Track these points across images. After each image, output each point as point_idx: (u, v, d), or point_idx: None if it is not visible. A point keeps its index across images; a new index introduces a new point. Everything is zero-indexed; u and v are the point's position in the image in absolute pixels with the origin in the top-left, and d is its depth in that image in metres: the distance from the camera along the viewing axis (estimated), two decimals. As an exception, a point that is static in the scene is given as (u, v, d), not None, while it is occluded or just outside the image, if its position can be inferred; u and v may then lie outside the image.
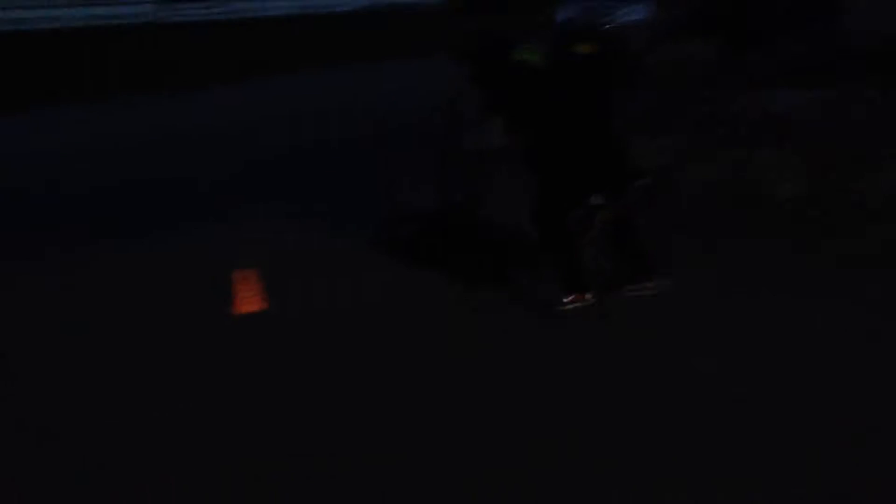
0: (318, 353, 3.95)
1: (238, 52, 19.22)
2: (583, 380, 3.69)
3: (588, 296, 4.38)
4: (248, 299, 4.47)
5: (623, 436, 3.30)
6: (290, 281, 4.80)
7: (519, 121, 4.55)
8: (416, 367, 3.80)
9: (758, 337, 4.00)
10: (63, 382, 3.79)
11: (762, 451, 3.14)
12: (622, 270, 4.49)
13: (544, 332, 4.11)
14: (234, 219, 6.01)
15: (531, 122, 4.49)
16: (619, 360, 3.87)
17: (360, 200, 6.10)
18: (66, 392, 3.76)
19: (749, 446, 3.21)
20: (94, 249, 5.56)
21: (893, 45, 6.72)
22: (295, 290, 4.69)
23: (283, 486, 2.93)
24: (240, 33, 22.00)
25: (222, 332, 4.23)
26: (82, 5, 23.36)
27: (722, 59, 8.09)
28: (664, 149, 6.01)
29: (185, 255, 5.31)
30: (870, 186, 5.17)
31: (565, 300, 4.37)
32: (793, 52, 7.34)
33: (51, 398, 3.68)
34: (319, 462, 3.07)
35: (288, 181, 7.14)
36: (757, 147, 5.53)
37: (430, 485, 2.90)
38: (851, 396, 3.48)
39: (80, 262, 5.36)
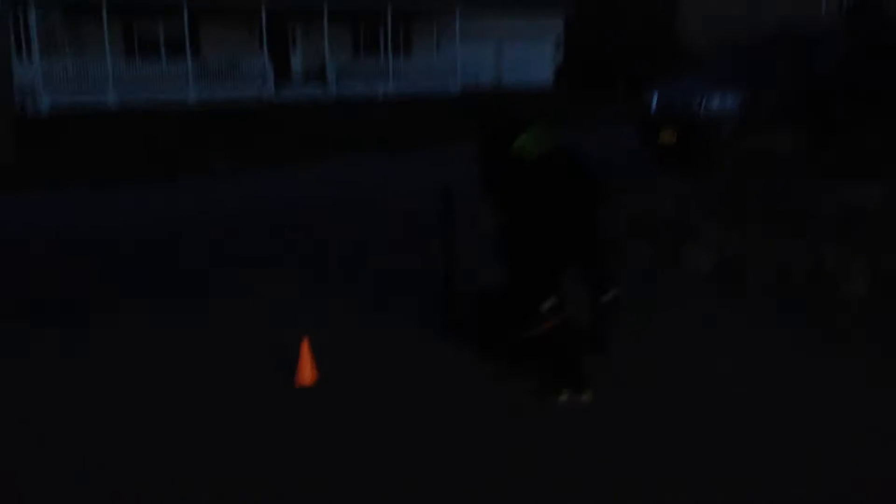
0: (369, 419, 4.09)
1: (344, 130, 20.10)
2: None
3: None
4: (308, 372, 4.69)
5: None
6: (344, 355, 5.01)
7: (504, 207, 4.46)
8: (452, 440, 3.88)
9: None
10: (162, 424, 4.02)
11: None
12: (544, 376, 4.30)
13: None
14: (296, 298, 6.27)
15: (513, 211, 4.41)
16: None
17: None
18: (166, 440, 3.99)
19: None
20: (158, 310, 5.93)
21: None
22: (347, 364, 4.90)
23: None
24: (351, 112, 23.01)
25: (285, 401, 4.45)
26: (209, 84, 25.10)
27: (804, 148, 7.98)
28: (733, 237, 5.98)
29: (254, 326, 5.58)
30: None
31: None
32: (873, 143, 7.20)
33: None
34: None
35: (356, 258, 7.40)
36: (827, 240, 5.42)
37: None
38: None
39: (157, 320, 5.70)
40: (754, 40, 11.37)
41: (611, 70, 27.52)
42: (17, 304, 6.22)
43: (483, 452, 3.84)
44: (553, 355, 4.37)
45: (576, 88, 29.59)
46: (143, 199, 11.36)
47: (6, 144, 14.01)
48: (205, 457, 3.87)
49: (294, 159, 14.99)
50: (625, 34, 34.00)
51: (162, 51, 25.81)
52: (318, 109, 23.16)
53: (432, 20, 30.79)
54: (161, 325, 5.69)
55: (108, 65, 23.80)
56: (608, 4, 37.03)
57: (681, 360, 4.81)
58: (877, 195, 6.02)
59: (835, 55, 10.42)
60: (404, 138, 17.14)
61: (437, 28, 30.91)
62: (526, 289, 4.34)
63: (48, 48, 23.79)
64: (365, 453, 3.86)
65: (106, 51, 23.73)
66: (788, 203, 6.29)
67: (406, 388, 4.58)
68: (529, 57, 33.09)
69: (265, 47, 26.35)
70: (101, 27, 23.63)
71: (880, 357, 4.75)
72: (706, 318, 5.50)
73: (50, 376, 4.90)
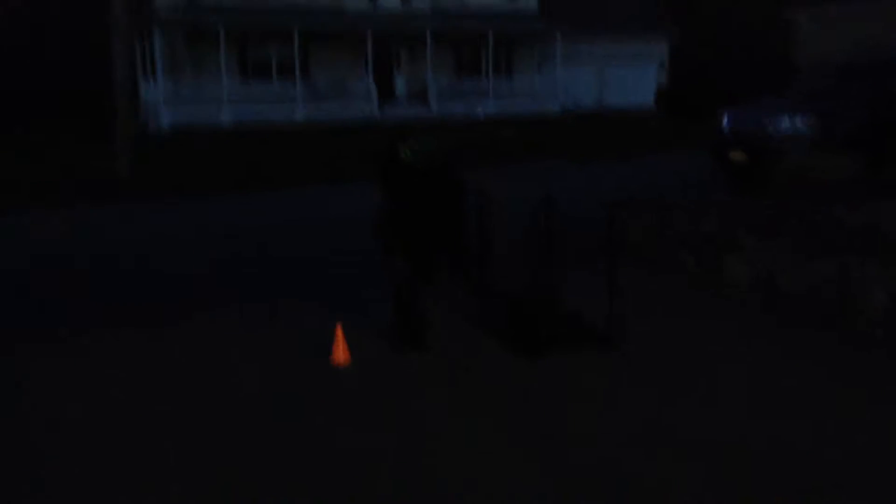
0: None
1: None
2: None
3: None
4: (342, 353, 5.25)
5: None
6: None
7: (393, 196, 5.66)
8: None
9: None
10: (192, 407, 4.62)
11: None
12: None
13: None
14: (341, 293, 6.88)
15: (398, 199, 5.62)
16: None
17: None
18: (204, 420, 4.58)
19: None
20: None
21: None
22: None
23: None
24: (450, 130, 23.76)
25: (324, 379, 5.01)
26: (316, 103, 26.41)
27: (857, 173, 8.00)
28: (768, 250, 6.19)
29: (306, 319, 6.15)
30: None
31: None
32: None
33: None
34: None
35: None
36: (861, 255, 5.57)
37: None
38: None
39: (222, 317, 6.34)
40: (833, 66, 11.39)
41: (712, 93, 27.30)
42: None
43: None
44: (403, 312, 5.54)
45: (676, 111, 29.44)
46: (234, 207, 12.29)
47: (125, 159, 15.34)
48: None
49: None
50: (730, 59, 33.56)
51: (273, 73, 27.34)
52: (417, 127, 24.01)
53: (534, 44, 31.31)
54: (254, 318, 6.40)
55: (224, 86, 25.44)
56: (715, 29, 36.61)
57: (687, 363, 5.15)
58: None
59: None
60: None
61: (539, 52, 31.41)
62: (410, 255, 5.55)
63: (171, 71, 25.62)
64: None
65: (222, 73, 25.39)
66: (826, 218, 6.44)
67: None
68: (632, 79, 33.11)
69: (370, 70, 27.49)
70: (219, 51, 25.30)
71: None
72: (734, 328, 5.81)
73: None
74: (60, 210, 12.10)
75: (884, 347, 5.40)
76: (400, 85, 29.67)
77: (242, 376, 5.11)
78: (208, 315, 6.42)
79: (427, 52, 28.12)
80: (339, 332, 5.33)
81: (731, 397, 4.65)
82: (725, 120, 11.10)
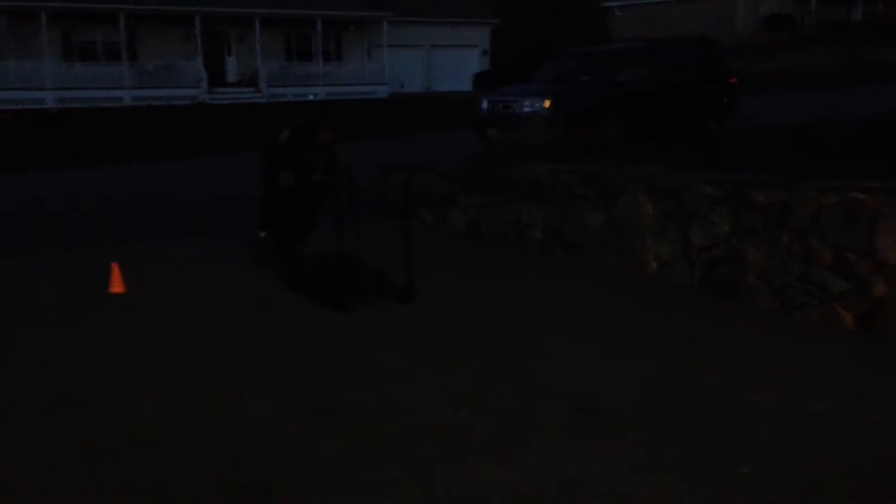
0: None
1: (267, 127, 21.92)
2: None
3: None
4: (117, 285, 6.65)
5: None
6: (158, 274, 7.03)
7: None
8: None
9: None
10: None
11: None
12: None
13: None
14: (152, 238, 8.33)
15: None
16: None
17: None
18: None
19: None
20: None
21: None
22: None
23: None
24: (274, 113, 24.93)
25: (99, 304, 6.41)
26: (145, 88, 26.90)
27: (591, 144, 10.13)
28: (474, 204, 8.17)
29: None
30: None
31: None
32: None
33: None
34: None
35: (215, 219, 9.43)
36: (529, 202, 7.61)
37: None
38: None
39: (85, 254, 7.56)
40: (571, 54, 13.65)
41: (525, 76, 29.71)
42: None
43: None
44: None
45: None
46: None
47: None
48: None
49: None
50: (549, 45, 36.23)
51: (100, 56, 27.57)
52: (245, 111, 25.04)
53: (363, 30, 32.82)
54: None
55: (47, 68, 25.57)
56: (536, 17, 39.29)
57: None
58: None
59: (637, 69, 12.70)
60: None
61: (368, 37, 32.94)
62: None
63: (-8, 52, 25.49)
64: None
65: (44, 55, 25.51)
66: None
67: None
68: (457, 64, 35.14)
69: (200, 54, 28.20)
70: (42, 33, 25.39)
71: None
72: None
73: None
74: None
75: (544, 265, 7.33)
76: (231, 69, 30.49)
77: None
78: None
79: (256, 36, 29.08)
80: (115, 269, 6.74)
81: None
82: (484, 103, 13.13)
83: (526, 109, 12.08)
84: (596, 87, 12.22)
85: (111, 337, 5.58)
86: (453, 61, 35.10)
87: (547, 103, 11.91)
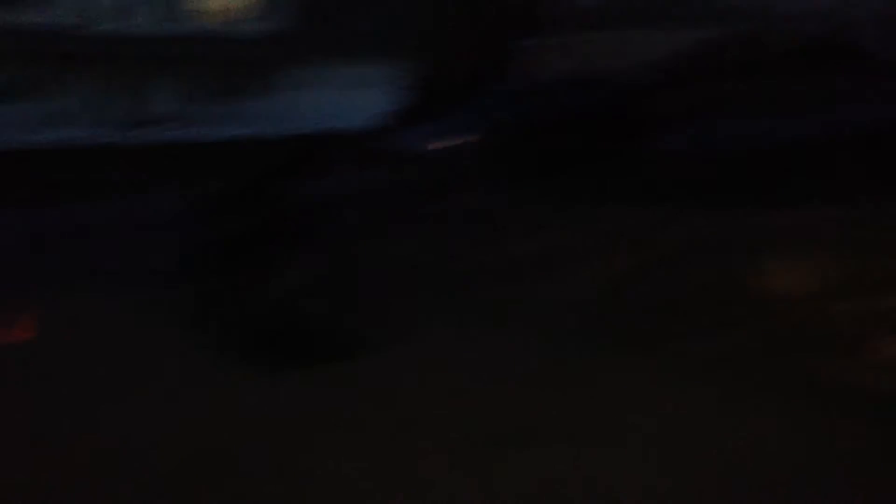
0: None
1: (180, 170, 21.87)
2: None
3: None
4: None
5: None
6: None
7: None
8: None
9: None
10: None
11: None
12: None
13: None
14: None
15: None
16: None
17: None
18: None
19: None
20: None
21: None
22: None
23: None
24: (192, 154, 24.85)
25: None
26: (56, 126, 26.32)
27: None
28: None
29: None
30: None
31: None
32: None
33: None
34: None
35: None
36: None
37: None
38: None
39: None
40: (493, 92, 14.21)
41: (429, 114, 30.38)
42: None
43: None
44: None
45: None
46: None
47: None
48: None
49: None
50: (467, 81, 37.11)
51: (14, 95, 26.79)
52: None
53: (268, 67, 32.90)
54: None
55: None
56: (442, 55, 40.12)
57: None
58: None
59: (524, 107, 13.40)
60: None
61: (282, 75, 33.06)
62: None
63: None
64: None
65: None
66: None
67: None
68: (368, 102, 35.65)
69: (96, 95, 27.73)
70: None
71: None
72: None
73: None
74: None
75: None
76: (133, 109, 30.09)
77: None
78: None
79: (152, 76, 28.76)
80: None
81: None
82: (405, 138, 13.61)
83: (446, 144, 12.60)
84: (514, 123, 12.75)
85: None
86: (365, 99, 35.32)
87: (466, 138, 12.45)
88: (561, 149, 11.20)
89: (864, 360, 5.73)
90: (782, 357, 5.97)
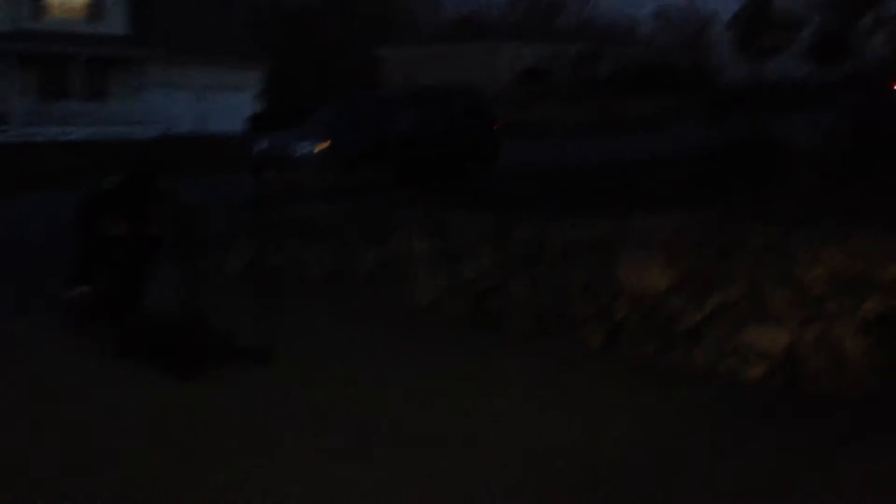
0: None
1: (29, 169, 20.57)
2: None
3: None
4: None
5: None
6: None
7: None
8: None
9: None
10: None
11: None
12: None
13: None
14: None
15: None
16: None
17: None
18: None
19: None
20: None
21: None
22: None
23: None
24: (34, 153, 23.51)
25: None
26: None
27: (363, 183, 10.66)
28: (251, 245, 8.40)
29: None
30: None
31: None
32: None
33: None
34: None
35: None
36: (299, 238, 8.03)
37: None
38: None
39: None
40: (339, 102, 14.28)
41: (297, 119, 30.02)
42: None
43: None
44: None
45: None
46: None
47: None
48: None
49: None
50: (325, 89, 36.85)
51: None
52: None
53: (129, 69, 31.71)
54: None
55: None
56: (304, 62, 39.85)
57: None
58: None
59: (408, 115, 13.46)
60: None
61: (136, 76, 31.85)
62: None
63: None
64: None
65: None
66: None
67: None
68: (231, 106, 34.71)
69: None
70: None
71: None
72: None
73: None
74: None
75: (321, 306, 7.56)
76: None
77: None
78: None
79: (10, 73, 27.34)
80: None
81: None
82: (259, 145, 13.44)
83: (303, 152, 12.48)
84: (369, 132, 12.87)
85: None
86: (227, 103, 34.68)
87: (322, 146, 12.39)
88: (406, 158, 12.08)
89: (704, 347, 6.34)
90: (627, 347, 6.51)
